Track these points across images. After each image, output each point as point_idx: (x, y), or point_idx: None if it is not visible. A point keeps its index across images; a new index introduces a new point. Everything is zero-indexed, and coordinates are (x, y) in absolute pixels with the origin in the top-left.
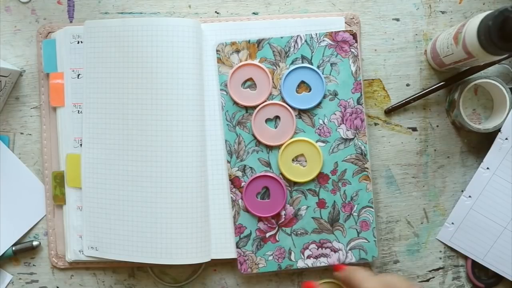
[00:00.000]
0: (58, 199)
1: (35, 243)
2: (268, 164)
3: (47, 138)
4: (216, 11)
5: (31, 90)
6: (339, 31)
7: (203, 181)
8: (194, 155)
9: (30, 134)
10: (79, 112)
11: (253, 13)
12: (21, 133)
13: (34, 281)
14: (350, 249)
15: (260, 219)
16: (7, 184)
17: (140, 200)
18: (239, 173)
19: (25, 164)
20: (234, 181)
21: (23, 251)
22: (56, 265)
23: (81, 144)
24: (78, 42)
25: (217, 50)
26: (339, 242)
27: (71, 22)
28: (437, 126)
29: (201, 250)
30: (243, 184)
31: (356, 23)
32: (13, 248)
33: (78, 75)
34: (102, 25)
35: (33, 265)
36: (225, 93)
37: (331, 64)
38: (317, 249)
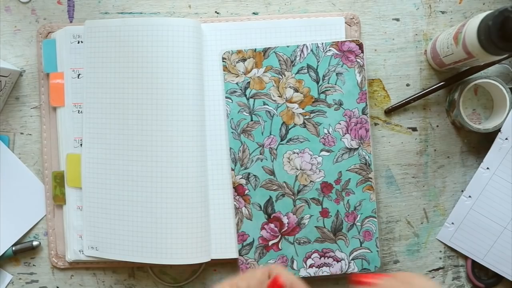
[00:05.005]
0: (58, 199)
1: (35, 243)
2: (272, 173)
3: (47, 138)
4: (216, 11)
5: (31, 90)
6: (345, 41)
7: (203, 181)
8: (193, 155)
9: (30, 134)
10: (79, 112)
11: (253, 13)
12: (21, 133)
13: (34, 281)
14: (352, 259)
15: (263, 227)
16: (7, 184)
17: (140, 200)
18: (243, 181)
19: (25, 164)
20: (237, 189)
21: (23, 251)
22: (56, 265)
23: (81, 144)
24: (78, 42)
25: (223, 58)
26: (341, 251)
27: (71, 22)
28: (437, 126)
29: (201, 250)
30: (246, 192)
31: (356, 23)
32: (13, 248)
33: (78, 75)
34: (102, 25)
35: (33, 265)
36: (230, 101)
37: (337, 74)
38: (320, 258)
